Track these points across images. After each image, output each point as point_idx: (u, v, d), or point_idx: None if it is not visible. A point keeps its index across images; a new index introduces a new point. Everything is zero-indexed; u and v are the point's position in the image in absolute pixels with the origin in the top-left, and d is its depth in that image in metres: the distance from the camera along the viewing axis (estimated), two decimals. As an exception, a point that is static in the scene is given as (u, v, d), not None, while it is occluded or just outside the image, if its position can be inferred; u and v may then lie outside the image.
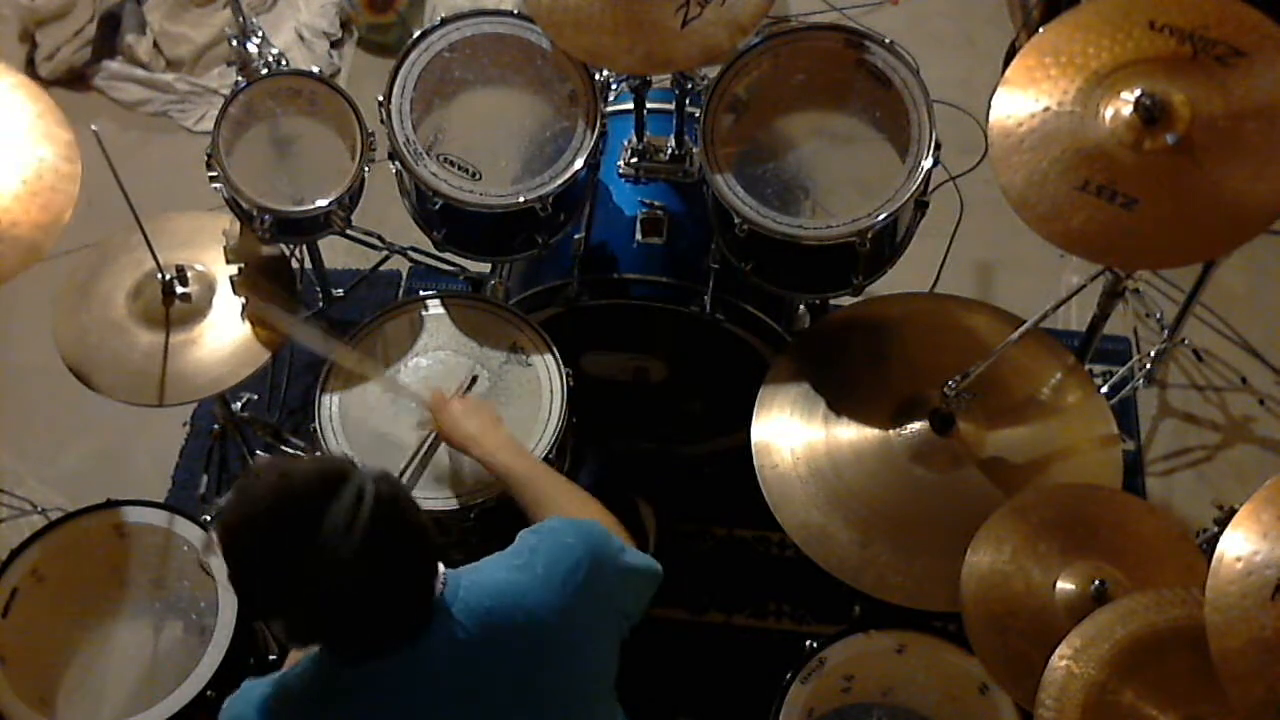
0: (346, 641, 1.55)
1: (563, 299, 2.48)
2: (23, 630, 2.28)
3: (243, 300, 2.43)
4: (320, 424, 2.28)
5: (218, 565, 2.31)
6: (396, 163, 2.36)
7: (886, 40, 2.33)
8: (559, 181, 2.32)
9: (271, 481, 1.47)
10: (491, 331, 2.41)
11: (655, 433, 2.88)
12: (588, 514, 1.82)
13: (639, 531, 2.57)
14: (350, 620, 1.50)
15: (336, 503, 1.44)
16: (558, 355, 2.37)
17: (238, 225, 2.46)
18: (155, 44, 3.73)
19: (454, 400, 2.14)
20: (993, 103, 2.14)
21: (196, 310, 2.44)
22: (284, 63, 2.63)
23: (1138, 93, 2.06)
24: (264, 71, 2.56)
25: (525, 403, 2.33)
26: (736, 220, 2.27)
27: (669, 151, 2.53)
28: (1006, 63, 2.54)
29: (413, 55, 2.38)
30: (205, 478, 2.95)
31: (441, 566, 1.60)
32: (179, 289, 2.42)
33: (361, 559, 1.44)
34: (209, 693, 2.17)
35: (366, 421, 2.28)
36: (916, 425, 2.29)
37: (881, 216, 2.24)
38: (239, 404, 2.86)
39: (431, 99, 2.37)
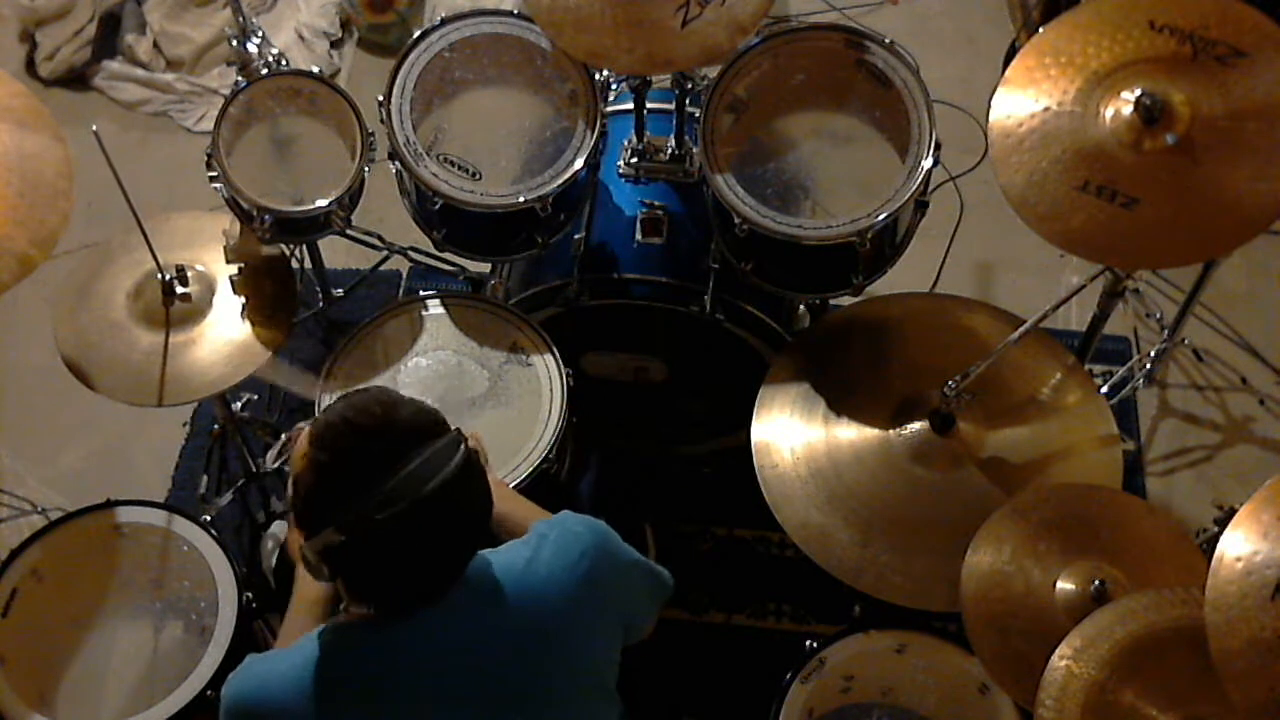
0: (372, 581, 1.57)
1: (563, 299, 2.48)
2: (23, 630, 2.28)
3: (243, 300, 2.43)
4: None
5: (216, 561, 2.32)
6: (396, 163, 2.36)
7: (886, 40, 2.33)
8: (559, 181, 2.32)
9: (383, 400, 1.55)
10: (491, 331, 2.41)
11: (655, 433, 2.88)
12: None
13: (641, 549, 2.57)
14: (394, 556, 1.53)
15: (430, 447, 1.53)
16: (558, 355, 2.37)
17: (238, 225, 2.46)
18: (155, 44, 3.73)
19: None
20: (993, 103, 2.15)
21: (197, 310, 2.43)
22: (284, 63, 2.63)
23: (1138, 93, 2.06)
24: (264, 71, 2.56)
25: (525, 403, 2.33)
26: (736, 220, 2.27)
27: (669, 151, 2.53)
28: (1006, 63, 2.54)
29: (413, 55, 2.38)
30: (205, 478, 2.95)
31: None
32: (179, 289, 2.41)
33: (430, 505, 1.50)
34: (209, 693, 2.17)
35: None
36: (916, 425, 2.29)
37: (881, 216, 2.24)
38: (239, 404, 2.86)
39: (431, 99, 2.37)
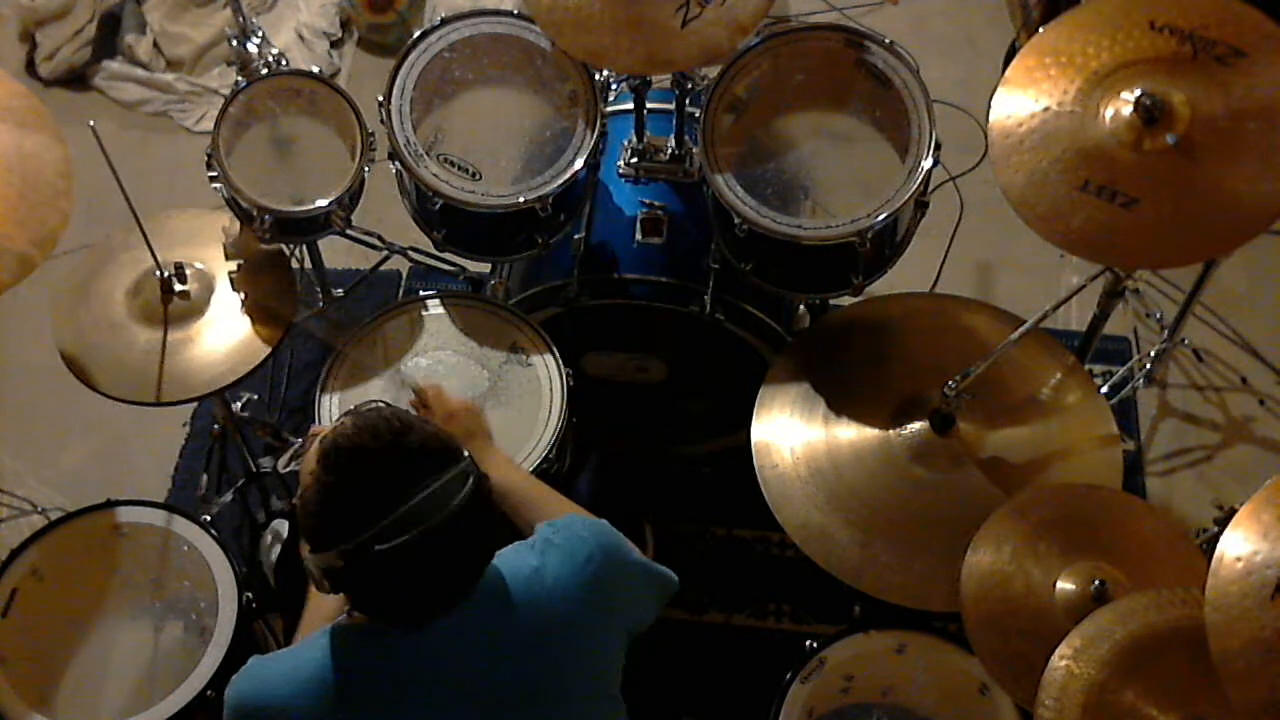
0: (375, 601, 1.56)
1: (563, 299, 2.48)
2: (23, 630, 2.28)
3: (243, 295, 2.43)
4: (320, 424, 2.28)
5: (216, 561, 2.32)
6: (396, 163, 2.36)
7: (886, 40, 2.33)
8: (559, 181, 2.32)
9: (394, 426, 1.52)
10: (491, 331, 2.41)
11: (655, 433, 2.88)
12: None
13: (640, 546, 2.57)
14: (397, 582, 1.52)
15: (442, 476, 1.51)
16: (558, 355, 2.37)
17: (237, 224, 2.46)
18: (155, 44, 3.73)
19: (456, 408, 2.05)
20: (993, 103, 2.15)
21: (195, 308, 2.43)
22: (284, 63, 2.63)
23: (1138, 93, 2.06)
24: (264, 71, 2.56)
25: (525, 403, 2.33)
26: (736, 220, 2.27)
27: (669, 151, 2.53)
28: (1006, 63, 2.54)
29: (412, 55, 2.38)
30: (205, 478, 2.95)
31: None
32: (177, 286, 2.42)
33: (438, 535, 1.49)
34: (209, 693, 2.17)
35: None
36: (916, 425, 2.29)
37: (881, 217, 2.24)
38: (239, 404, 2.86)
39: (431, 99, 2.37)
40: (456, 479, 1.52)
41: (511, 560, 1.65)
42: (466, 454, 1.57)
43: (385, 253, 2.89)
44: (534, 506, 1.87)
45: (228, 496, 2.84)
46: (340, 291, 3.10)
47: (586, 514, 1.84)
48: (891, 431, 2.31)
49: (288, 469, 2.15)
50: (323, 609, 1.79)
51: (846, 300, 2.54)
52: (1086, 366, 2.48)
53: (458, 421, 2.00)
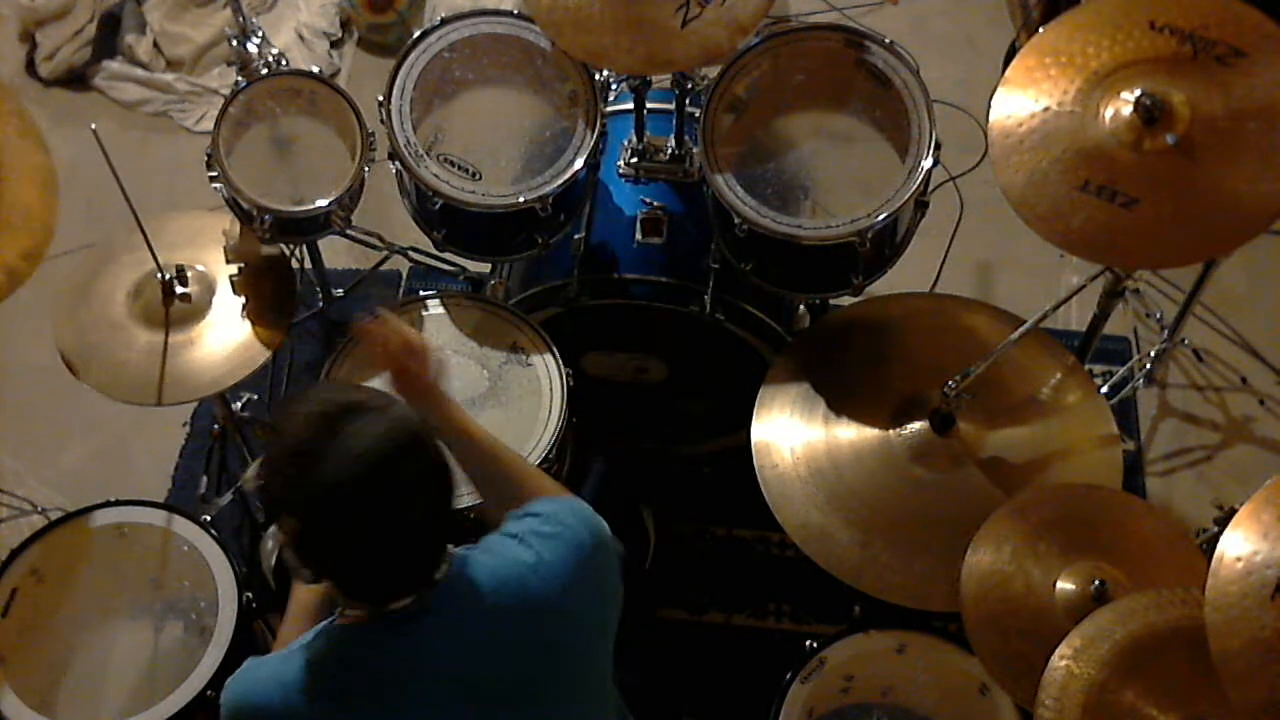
0: (348, 565, 1.56)
1: (563, 299, 2.48)
2: (23, 630, 2.28)
3: (243, 300, 2.43)
4: None
5: (216, 561, 2.32)
6: (396, 163, 2.36)
7: (886, 40, 2.33)
8: (559, 181, 2.32)
9: (320, 394, 1.57)
10: (491, 331, 2.41)
11: (655, 433, 2.88)
12: (550, 490, 1.81)
13: (642, 537, 2.57)
14: (358, 535, 1.52)
15: (366, 414, 1.52)
16: (558, 355, 2.37)
17: (238, 225, 2.47)
18: (155, 44, 3.73)
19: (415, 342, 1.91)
20: (993, 103, 2.15)
21: (196, 310, 2.44)
22: (284, 63, 2.63)
23: (1138, 93, 2.07)
24: (264, 71, 2.56)
25: (525, 403, 2.33)
26: (736, 220, 2.27)
27: (669, 151, 2.53)
28: (1006, 63, 2.54)
29: (412, 55, 2.38)
30: (205, 478, 2.95)
31: (450, 547, 1.62)
32: (179, 289, 2.42)
33: (381, 469, 1.50)
34: (209, 693, 2.18)
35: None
36: (916, 425, 2.29)
37: (881, 216, 2.24)
38: (239, 404, 2.86)
39: (431, 99, 2.37)
40: (379, 411, 1.53)
41: (500, 553, 1.65)
42: (393, 398, 1.60)
43: (385, 253, 2.89)
44: (502, 470, 1.83)
45: (228, 496, 2.84)
46: (340, 291, 3.11)
47: (556, 487, 1.82)
48: (891, 431, 2.31)
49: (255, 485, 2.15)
50: (300, 600, 1.80)
51: (846, 300, 2.54)
52: (1086, 366, 2.48)
53: (419, 360, 1.84)
